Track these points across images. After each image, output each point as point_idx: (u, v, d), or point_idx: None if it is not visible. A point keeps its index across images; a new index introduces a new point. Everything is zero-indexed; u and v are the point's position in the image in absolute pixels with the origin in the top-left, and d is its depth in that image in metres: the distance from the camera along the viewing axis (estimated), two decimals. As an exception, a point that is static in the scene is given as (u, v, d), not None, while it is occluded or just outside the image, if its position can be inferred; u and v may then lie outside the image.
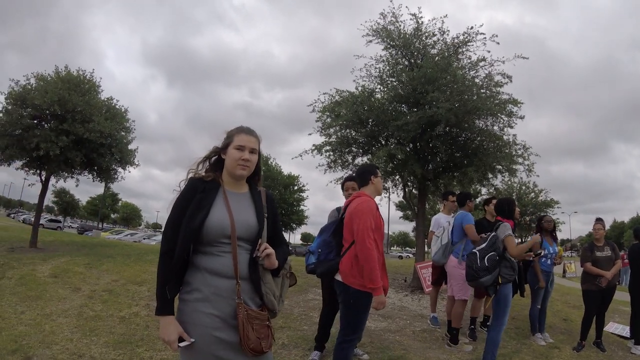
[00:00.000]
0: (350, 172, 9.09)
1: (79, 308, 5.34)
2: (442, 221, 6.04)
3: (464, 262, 4.49)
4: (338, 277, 3.20)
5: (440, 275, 5.97)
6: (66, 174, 12.15)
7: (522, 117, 8.80)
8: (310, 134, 9.73)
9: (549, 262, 5.58)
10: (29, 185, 12.81)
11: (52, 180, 12.30)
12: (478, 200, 25.74)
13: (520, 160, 8.89)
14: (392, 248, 65.30)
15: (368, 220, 3.10)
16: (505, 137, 8.87)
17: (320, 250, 3.52)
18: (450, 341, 4.90)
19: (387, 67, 9.34)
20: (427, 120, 7.99)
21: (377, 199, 4.82)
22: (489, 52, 8.65)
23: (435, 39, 9.00)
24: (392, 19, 9.03)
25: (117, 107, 12.16)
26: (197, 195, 1.78)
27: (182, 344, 1.68)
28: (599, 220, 5.53)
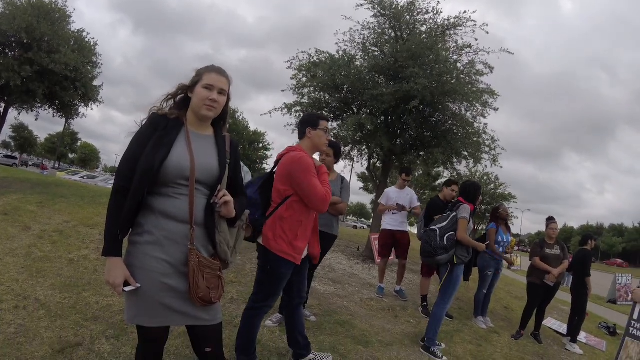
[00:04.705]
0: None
1: (27, 248, 5.13)
2: (391, 195, 6.14)
3: None
4: (259, 241, 2.85)
5: (389, 247, 6.10)
6: (27, 106, 11.55)
7: (496, 109, 8.93)
8: (283, 91, 9.52)
9: (501, 249, 5.77)
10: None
11: (13, 112, 11.70)
12: (438, 182, 26.34)
13: (486, 149, 9.06)
14: (348, 217, 65.78)
15: (313, 179, 2.66)
16: (476, 125, 9.00)
17: None
18: None
19: (372, 36, 9.19)
20: (403, 95, 7.96)
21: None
22: (476, 40, 8.65)
23: (427, 16, 8.89)
24: None
25: (86, 40, 11.52)
26: (157, 133, 1.67)
27: (127, 288, 1.62)
28: (554, 220, 5.73)
